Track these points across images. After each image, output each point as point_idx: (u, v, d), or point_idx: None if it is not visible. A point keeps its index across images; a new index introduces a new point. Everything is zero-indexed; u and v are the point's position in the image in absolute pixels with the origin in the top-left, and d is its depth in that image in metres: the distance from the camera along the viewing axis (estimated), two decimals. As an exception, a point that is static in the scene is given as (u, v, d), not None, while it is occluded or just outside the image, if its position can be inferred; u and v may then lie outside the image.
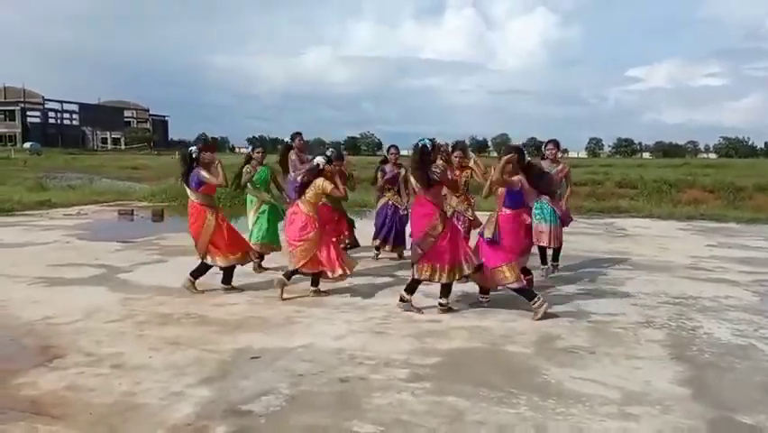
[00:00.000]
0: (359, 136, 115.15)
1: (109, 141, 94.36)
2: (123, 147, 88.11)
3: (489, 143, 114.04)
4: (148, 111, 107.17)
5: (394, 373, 4.42)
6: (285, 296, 6.36)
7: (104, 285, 7.04)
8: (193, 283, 6.60)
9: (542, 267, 7.71)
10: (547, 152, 7.76)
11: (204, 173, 6.32)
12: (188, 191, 6.48)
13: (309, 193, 6.35)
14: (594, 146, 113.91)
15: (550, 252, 7.77)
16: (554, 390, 4.16)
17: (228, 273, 6.73)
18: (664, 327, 5.68)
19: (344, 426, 3.58)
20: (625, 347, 5.08)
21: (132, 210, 15.03)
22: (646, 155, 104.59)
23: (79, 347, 4.87)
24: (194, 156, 6.37)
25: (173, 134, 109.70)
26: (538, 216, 7.48)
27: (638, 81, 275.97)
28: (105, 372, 4.36)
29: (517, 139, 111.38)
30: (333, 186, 6.40)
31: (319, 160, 6.44)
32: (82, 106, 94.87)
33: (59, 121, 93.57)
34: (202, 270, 6.62)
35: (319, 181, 6.33)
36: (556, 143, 7.84)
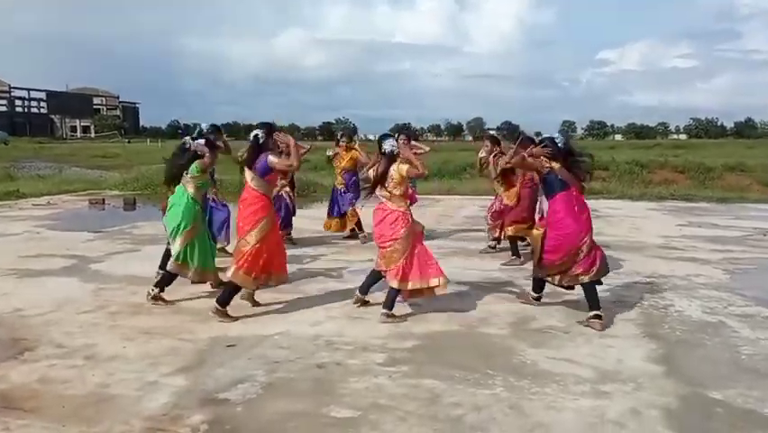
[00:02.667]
0: (334, 121, 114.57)
1: (78, 129, 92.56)
2: (92, 135, 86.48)
3: (464, 127, 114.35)
4: (118, 98, 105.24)
5: (371, 357, 4.42)
6: None
7: (75, 276, 6.92)
8: (224, 312, 5.34)
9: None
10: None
11: (272, 157, 5.44)
12: (249, 178, 5.48)
13: (392, 184, 5.35)
14: (567, 129, 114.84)
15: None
16: (530, 370, 4.21)
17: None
18: (637, 305, 5.77)
19: (321, 411, 3.58)
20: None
21: (104, 199, 14.80)
22: (618, 137, 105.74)
23: (51, 339, 4.79)
24: (260, 141, 5.53)
25: (144, 121, 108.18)
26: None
27: (610, 63, 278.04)
28: (78, 363, 4.30)
29: (492, 122, 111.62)
30: (408, 165, 5.40)
31: (392, 144, 5.46)
32: (50, 94, 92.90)
33: (26, 109, 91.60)
34: (231, 292, 5.40)
35: (400, 166, 5.38)
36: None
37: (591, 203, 11.79)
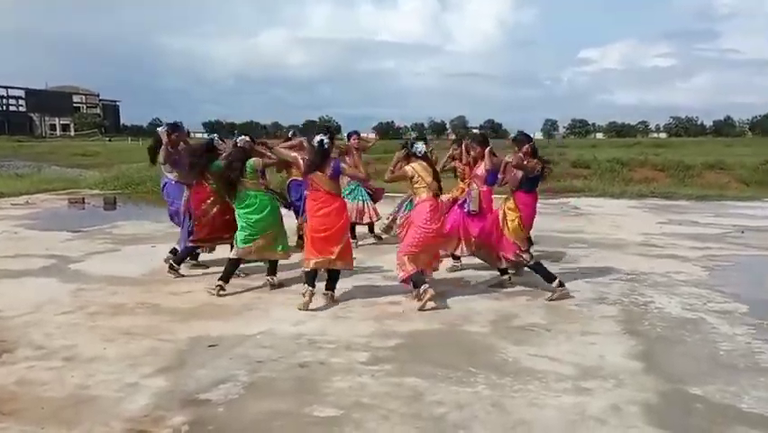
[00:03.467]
0: (317, 120, 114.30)
1: (58, 127, 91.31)
2: (72, 133, 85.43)
3: (447, 126, 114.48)
4: (98, 96, 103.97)
5: (354, 356, 4.42)
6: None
7: (54, 276, 6.84)
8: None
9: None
10: None
11: (344, 165, 5.79)
12: (325, 183, 5.50)
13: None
14: (550, 127, 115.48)
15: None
16: (512, 367, 4.23)
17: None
18: (617, 302, 5.82)
19: (304, 411, 3.57)
20: (579, 324, 5.20)
21: (83, 198, 14.62)
22: (600, 135, 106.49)
23: (30, 341, 4.72)
24: (326, 146, 5.51)
25: (125, 120, 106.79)
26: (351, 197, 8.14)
27: (591, 62, 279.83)
28: (57, 365, 4.24)
29: (475, 121, 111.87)
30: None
31: (422, 146, 5.83)
32: (29, 92, 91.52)
33: (4, 107, 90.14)
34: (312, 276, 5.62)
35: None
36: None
37: (572, 200, 11.84)
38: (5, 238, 9.31)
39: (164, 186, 7.28)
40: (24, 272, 7.05)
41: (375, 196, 8.73)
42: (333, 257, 5.54)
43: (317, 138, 5.48)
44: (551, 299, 5.80)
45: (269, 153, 6.32)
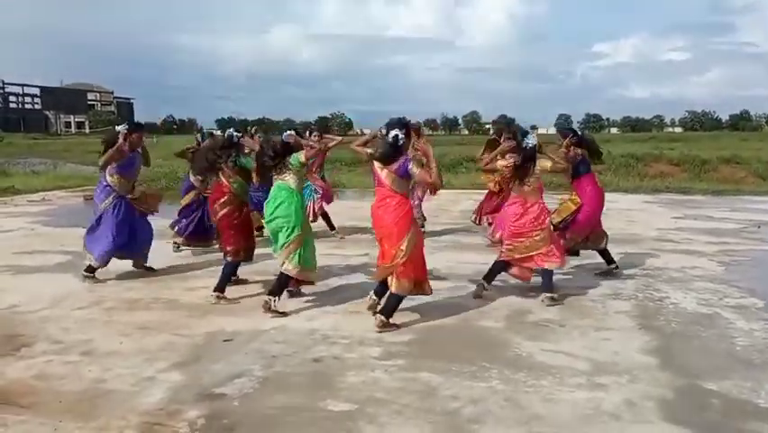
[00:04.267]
0: (329, 116, 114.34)
1: (73, 124, 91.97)
2: (87, 131, 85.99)
3: (460, 121, 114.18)
4: (112, 93, 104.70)
5: (367, 351, 4.43)
6: None
7: (70, 272, 6.90)
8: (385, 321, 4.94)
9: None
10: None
11: (415, 168, 4.90)
12: (390, 180, 4.93)
13: (532, 179, 5.63)
14: (564, 122, 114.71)
15: None
16: (525, 363, 4.22)
17: None
18: (632, 298, 5.79)
19: (318, 405, 3.58)
20: (594, 319, 5.17)
21: (99, 195, 14.72)
22: (614, 130, 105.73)
23: (47, 335, 4.78)
24: (400, 143, 4.94)
25: (139, 117, 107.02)
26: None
27: (604, 56, 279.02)
28: (75, 359, 4.30)
29: (488, 116, 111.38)
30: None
31: (533, 139, 5.64)
32: (44, 90, 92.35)
33: (20, 105, 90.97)
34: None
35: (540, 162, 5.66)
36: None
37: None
38: (22, 235, 9.43)
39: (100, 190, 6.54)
40: (41, 268, 7.13)
41: (325, 196, 8.82)
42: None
43: (392, 133, 4.92)
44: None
45: (311, 144, 6.16)
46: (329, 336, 4.73)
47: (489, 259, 7.32)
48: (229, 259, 5.82)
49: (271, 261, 6.46)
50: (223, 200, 5.88)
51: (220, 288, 5.67)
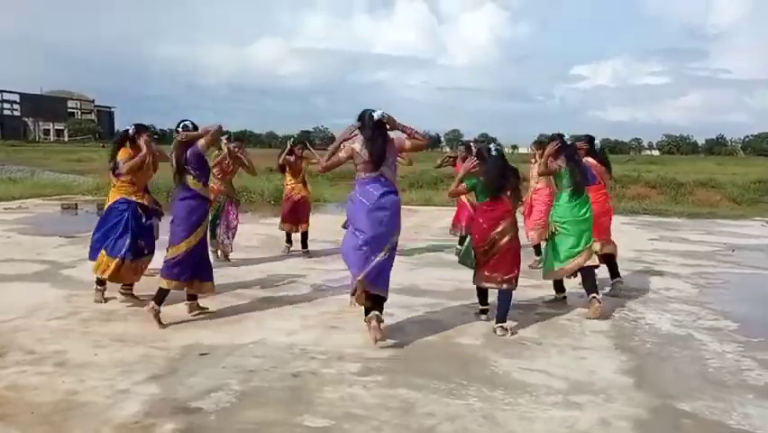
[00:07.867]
0: (312, 130, 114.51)
1: (52, 132, 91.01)
2: (66, 139, 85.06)
3: (442, 139, 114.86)
4: (93, 102, 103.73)
5: (346, 367, 4.42)
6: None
7: (47, 281, 6.82)
8: None
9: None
10: None
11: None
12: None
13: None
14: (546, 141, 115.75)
15: None
16: (503, 381, 4.24)
17: None
18: (609, 318, 5.85)
19: (295, 420, 3.57)
20: (571, 338, 5.22)
21: (77, 204, 14.60)
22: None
23: (21, 345, 4.71)
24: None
25: (120, 126, 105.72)
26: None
27: (583, 79, 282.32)
28: (48, 370, 4.24)
29: (470, 134, 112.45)
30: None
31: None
32: (23, 96, 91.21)
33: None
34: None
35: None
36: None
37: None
38: (-2, 242, 9.27)
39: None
40: (17, 277, 7.03)
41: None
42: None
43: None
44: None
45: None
46: (308, 351, 4.72)
47: (469, 276, 7.36)
48: None
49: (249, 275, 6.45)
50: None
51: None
